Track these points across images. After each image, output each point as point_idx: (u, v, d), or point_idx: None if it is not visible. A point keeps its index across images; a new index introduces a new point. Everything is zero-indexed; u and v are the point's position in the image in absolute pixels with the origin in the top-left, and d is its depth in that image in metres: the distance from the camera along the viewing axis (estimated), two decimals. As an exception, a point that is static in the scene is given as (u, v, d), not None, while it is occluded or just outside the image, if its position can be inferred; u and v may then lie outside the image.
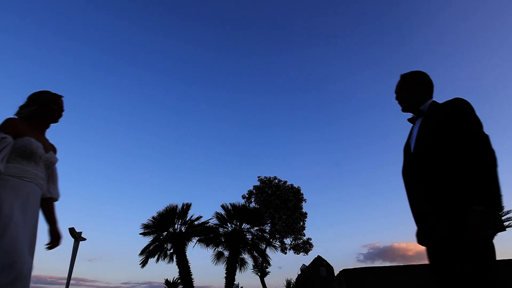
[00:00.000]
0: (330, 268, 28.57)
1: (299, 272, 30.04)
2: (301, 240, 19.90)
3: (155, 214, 15.34)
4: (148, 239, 15.40)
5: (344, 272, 19.88)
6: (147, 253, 14.88)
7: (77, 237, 12.43)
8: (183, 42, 47.06)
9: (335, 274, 25.73)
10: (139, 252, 15.10)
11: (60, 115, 2.01)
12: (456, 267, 1.37)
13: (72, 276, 11.96)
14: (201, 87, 47.74)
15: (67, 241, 13.24)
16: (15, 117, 1.87)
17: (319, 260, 28.76)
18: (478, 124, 1.43)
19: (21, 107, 1.93)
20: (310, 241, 20.02)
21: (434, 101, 1.70)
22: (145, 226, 15.34)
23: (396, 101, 1.84)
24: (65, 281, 11.74)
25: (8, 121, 1.76)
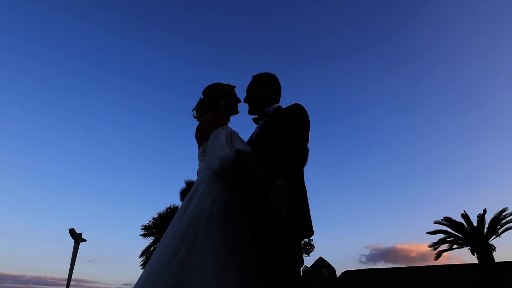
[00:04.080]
0: (332, 270, 28.39)
1: (301, 274, 29.84)
2: (303, 241, 19.79)
3: (155, 215, 15.34)
4: (148, 240, 15.39)
5: (346, 273, 19.75)
6: (148, 254, 14.84)
7: (78, 238, 12.39)
8: (189, 58, 47.21)
9: (337, 276, 25.57)
10: (140, 253, 15.08)
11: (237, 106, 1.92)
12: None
13: (73, 277, 11.95)
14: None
15: (67, 242, 13.21)
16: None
17: (321, 262, 28.58)
18: (301, 138, 1.47)
19: (203, 102, 1.86)
20: (312, 242, 19.97)
21: (279, 106, 1.74)
22: (146, 227, 15.32)
23: (245, 103, 1.83)
24: (66, 282, 11.72)
25: (220, 115, 1.71)
